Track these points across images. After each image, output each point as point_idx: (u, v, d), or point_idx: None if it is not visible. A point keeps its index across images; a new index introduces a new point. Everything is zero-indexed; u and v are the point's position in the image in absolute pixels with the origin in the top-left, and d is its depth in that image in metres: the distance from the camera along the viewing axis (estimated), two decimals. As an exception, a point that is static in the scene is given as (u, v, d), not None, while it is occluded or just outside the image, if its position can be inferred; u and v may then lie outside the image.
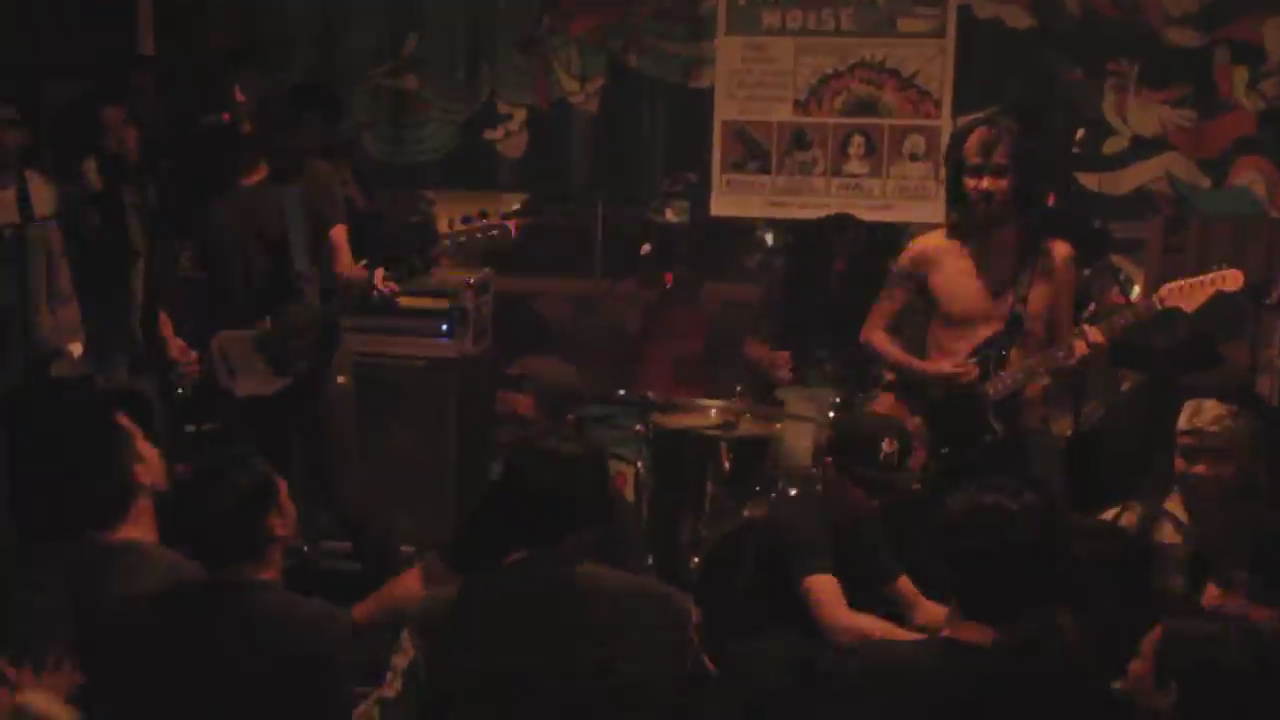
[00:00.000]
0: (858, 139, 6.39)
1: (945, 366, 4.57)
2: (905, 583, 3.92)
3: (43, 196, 5.21)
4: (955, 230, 4.61)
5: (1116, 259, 6.08)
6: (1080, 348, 4.35)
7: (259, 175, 4.93)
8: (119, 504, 3.27)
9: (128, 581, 3.10)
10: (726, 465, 5.01)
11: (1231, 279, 4.35)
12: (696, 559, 4.81)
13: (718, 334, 7.44)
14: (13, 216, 5.07)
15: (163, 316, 4.95)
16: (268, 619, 2.98)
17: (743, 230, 8.39)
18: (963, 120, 4.80)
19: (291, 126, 5.77)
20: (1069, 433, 5.45)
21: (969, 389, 4.49)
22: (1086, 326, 4.41)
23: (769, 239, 8.41)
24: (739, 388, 5.46)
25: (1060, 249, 4.62)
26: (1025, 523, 2.91)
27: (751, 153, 6.49)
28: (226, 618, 2.97)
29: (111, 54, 6.40)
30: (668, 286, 5.92)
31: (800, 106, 6.43)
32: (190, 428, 4.89)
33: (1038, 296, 4.52)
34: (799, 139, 6.45)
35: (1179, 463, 3.92)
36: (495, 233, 4.66)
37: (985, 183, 4.43)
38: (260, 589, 3.03)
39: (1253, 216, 6.33)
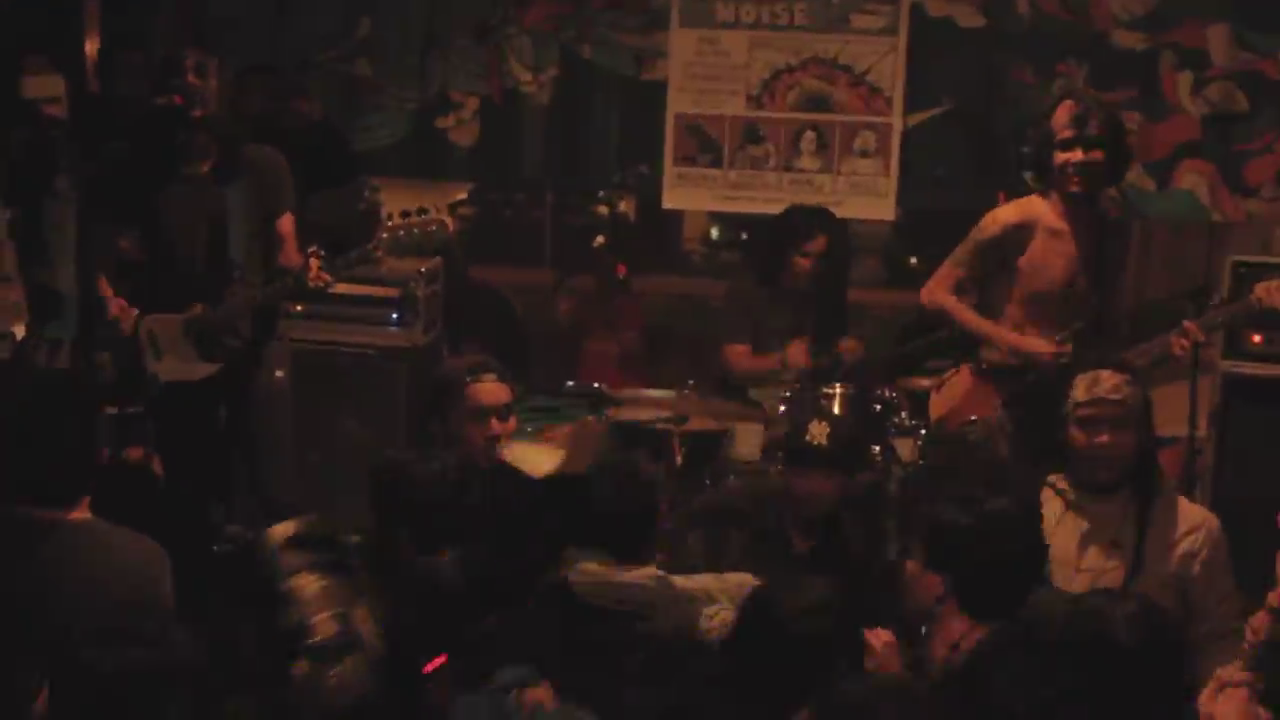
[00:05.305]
0: (810, 134, 6.41)
1: (1040, 344, 4.49)
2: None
3: None
4: (1043, 205, 4.50)
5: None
6: (1180, 342, 4.34)
7: (207, 164, 4.88)
8: (79, 485, 3.24)
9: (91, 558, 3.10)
10: (678, 459, 5.01)
11: None
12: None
13: (653, 325, 7.45)
14: None
15: (101, 280, 4.91)
16: None
17: (680, 223, 8.42)
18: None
19: (241, 109, 5.74)
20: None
21: (1063, 372, 4.28)
22: (1187, 323, 4.37)
23: (714, 233, 8.45)
24: (690, 382, 5.44)
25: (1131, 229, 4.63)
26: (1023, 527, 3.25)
27: (704, 146, 6.49)
28: None
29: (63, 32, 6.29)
30: (621, 278, 5.91)
31: (753, 101, 6.44)
32: (112, 410, 4.85)
33: (1118, 275, 4.55)
34: (751, 133, 6.46)
35: (1079, 435, 3.83)
36: (433, 228, 4.67)
37: (1079, 154, 4.38)
38: None
39: (1193, 220, 6.42)
